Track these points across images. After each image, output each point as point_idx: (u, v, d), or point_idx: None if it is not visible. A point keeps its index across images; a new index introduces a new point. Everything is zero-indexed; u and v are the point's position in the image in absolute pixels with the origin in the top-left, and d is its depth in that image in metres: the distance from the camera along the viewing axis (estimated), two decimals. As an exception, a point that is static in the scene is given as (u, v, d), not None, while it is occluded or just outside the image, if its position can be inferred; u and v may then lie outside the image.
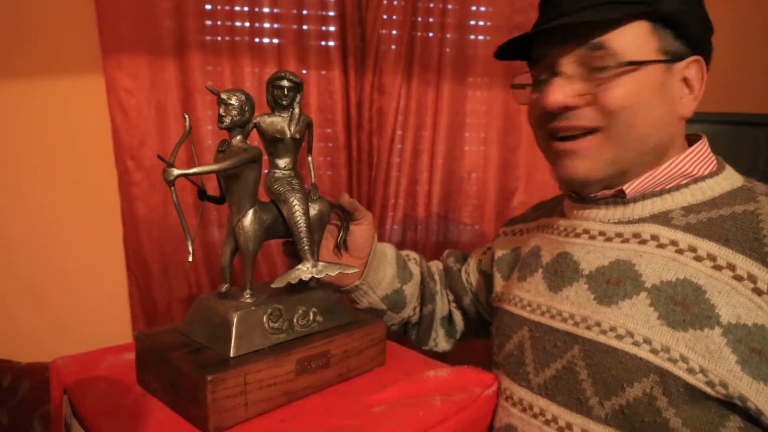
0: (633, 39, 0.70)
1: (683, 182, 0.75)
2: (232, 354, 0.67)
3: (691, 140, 0.80)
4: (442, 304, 1.09)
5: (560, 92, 0.72)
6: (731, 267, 0.65)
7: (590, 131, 0.73)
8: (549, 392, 0.75)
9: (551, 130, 0.76)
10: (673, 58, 0.72)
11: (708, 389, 0.62)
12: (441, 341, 1.11)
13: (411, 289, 1.02)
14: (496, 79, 1.62)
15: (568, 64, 0.73)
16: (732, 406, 0.62)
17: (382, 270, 0.98)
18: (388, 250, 1.01)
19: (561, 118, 0.74)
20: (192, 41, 1.44)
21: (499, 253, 0.99)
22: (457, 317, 1.10)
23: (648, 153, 0.74)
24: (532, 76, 0.80)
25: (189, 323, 0.75)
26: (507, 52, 0.79)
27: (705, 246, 0.68)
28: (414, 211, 1.65)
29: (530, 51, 0.80)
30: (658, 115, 0.72)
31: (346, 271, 0.78)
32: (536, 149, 0.85)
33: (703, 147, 0.77)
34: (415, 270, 1.05)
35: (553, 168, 0.79)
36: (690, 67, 0.73)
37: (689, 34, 0.72)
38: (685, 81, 0.73)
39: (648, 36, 0.71)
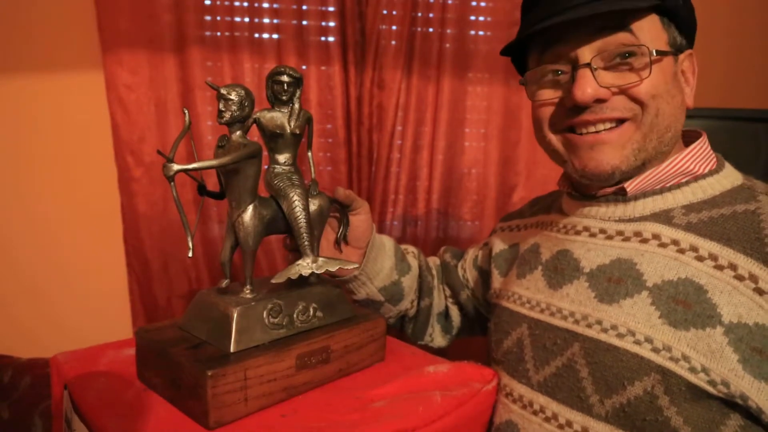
0: (652, 29, 0.71)
1: (684, 180, 0.74)
2: (232, 349, 0.67)
3: (691, 137, 0.80)
4: (439, 299, 1.10)
5: (592, 84, 0.70)
6: (732, 267, 0.65)
7: (617, 122, 0.72)
8: (549, 389, 0.75)
9: (573, 125, 0.74)
10: (677, 51, 0.74)
11: (709, 388, 0.62)
12: (437, 337, 1.11)
13: (409, 282, 1.02)
14: (496, 75, 1.62)
15: (591, 55, 0.71)
16: (733, 404, 0.62)
17: (381, 261, 0.98)
18: (387, 241, 1.01)
19: (589, 111, 0.72)
20: (192, 36, 1.43)
21: (496, 249, 0.99)
22: (454, 313, 1.11)
23: (667, 143, 0.74)
24: (543, 70, 0.77)
25: (189, 319, 0.75)
26: (511, 47, 0.79)
27: (706, 246, 0.68)
28: (414, 206, 1.65)
29: (532, 44, 0.79)
30: (678, 104, 0.73)
31: (346, 266, 0.78)
32: (537, 145, 0.84)
33: (703, 144, 0.77)
34: (414, 263, 1.05)
35: (572, 162, 0.76)
36: (686, 60, 0.75)
37: (687, 28, 0.75)
38: (683, 73, 0.75)
39: (660, 28, 0.72)
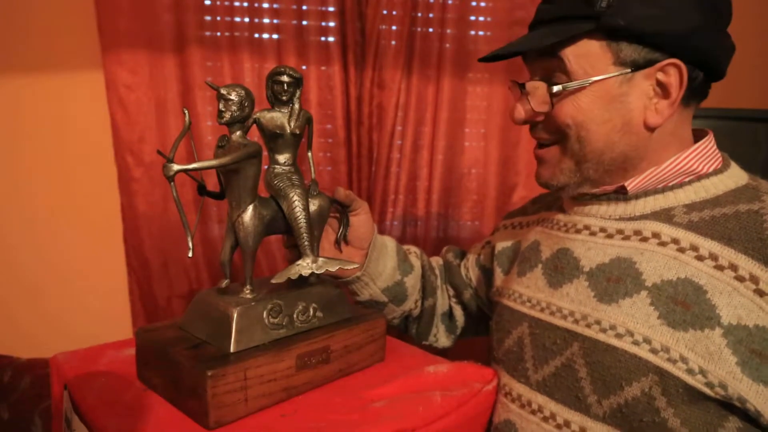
0: (585, 56, 0.70)
1: (686, 179, 0.74)
2: (232, 349, 0.67)
3: (697, 136, 0.78)
4: (442, 299, 1.09)
5: (520, 110, 0.78)
6: (733, 267, 0.64)
7: (552, 142, 0.77)
8: (548, 389, 0.75)
9: None
10: (634, 68, 0.69)
11: (707, 390, 0.61)
12: (441, 337, 1.11)
13: (412, 282, 1.02)
14: (496, 75, 1.62)
15: (530, 79, 0.76)
16: (731, 407, 0.62)
17: (383, 261, 0.98)
18: (389, 242, 1.01)
19: (532, 128, 0.80)
20: (191, 36, 1.43)
21: (499, 247, 0.99)
22: (458, 313, 1.10)
23: (610, 163, 0.74)
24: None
25: (189, 319, 0.75)
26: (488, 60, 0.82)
27: (707, 245, 0.67)
28: (414, 206, 1.65)
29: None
30: (612, 128, 0.71)
31: (346, 267, 0.78)
32: (537, 145, 0.85)
33: (708, 144, 0.76)
34: (416, 263, 1.05)
35: None
36: (666, 71, 0.69)
37: (655, 39, 0.68)
38: (660, 85, 0.70)
39: (601, 51, 0.69)
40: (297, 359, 0.71)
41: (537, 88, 0.75)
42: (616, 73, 0.70)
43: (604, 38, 0.69)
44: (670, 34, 0.68)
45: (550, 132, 0.77)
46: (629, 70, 0.69)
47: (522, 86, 0.77)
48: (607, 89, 0.70)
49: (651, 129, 0.72)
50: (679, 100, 0.70)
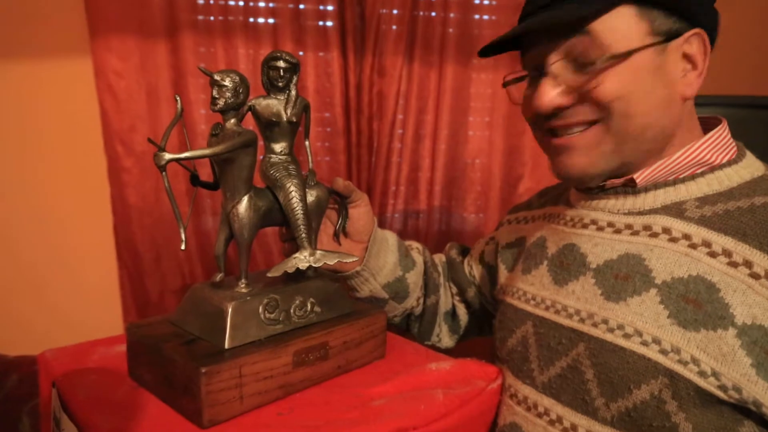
0: (618, 27, 0.68)
1: (699, 171, 0.73)
2: (226, 345, 0.67)
3: (710, 124, 0.78)
4: (445, 297, 1.09)
5: (549, 94, 0.72)
6: (748, 264, 0.63)
7: (588, 124, 0.72)
8: (554, 391, 0.74)
9: (548, 128, 0.76)
10: (667, 38, 0.70)
11: (720, 393, 0.61)
12: (444, 337, 1.11)
13: (414, 278, 1.02)
14: (501, 61, 1.61)
15: (555, 61, 0.72)
16: (746, 411, 0.61)
17: (383, 256, 0.98)
18: (390, 236, 1.01)
19: (556, 117, 0.74)
20: (184, 21, 1.43)
21: (503, 243, 0.98)
22: (461, 312, 1.10)
23: (651, 141, 0.72)
24: (525, 70, 0.78)
25: (182, 314, 0.75)
26: (495, 46, 0.79)
27: (720, 241, 0.66)
28: (416, 198, 1.65)
29: (521, 42, 0.79)
30: (657, 100, 0.71)
31: (345, 260, 0.78)
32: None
33: (722, 132, 0.75)
34: (418, 259, 1.05)
35: (550, 163, 0.79)
36: (690, 42, 0.70)
37: (682, 8, 0.69)
38: (687, 57, 0.71)
39: (635, 20, 0.69)
40: (294, 356, 0.72)
41: (565, 67, 0.71)
42: (654, 42, 0.69)
43: (637, 7, 0.69)
44: (696, 2, 0.70)
45: (587, 113, 0.72)
46: (663, 39, 0.69)
47: (539, 71, 0.73)
48: (647, 60, 0.69)
49: (685, 102, 0.73)
50: (705, 71, 0.71)
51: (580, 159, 0.74)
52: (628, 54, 0.68)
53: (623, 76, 0.69)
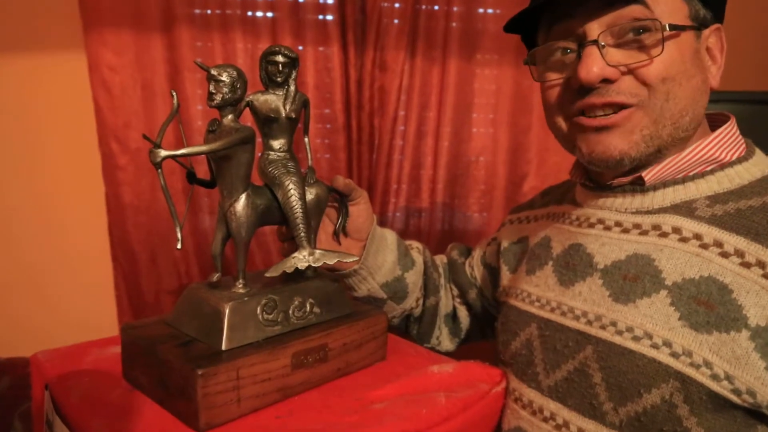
0: (670, 2, 0.69)
1: (708, 168, 0.73)
2: (223, 347, 0.67)
3: (718, 121, 0.78)
4: (446, 299, 1.09)
5: (598, 63, 0.68)
6: (761, 264, 0.63)
7: (625, 106, 0.70)
8: (560, 395, 0.74)
9: (582, 108, 0.73)
10: (700, 26, 0.71)
11: (733, 397, 0.61)
12: (444, 340, 1.11)
13: (413, 278, 1.02)
14: (506, 56, 1.61)
15: (600, 31, 0.69)
16: (760, 415, 0.61)
17: (382, 255, 0.98)
18: (389, 235, 1.01)
19: (595, 93, 0.70)
20: (180, 15, 1.43)
21: (505, 244, 0.98)
22: (462, 314, 1.10)
23: (685, 128, 0.71)
24: (550, 48, 0.76)
25: (178, 314, 0.75)
26: (519, 23, 0.77)
27: (732, 240, 0.66)
28: (417, 197, 1.65)
29: (541, 20, 0.77)
30: (696, 85, 0.71)
31: (345, 260, 0.78)
32: (549, 131, 0.83)
33: (731, 129, 0.75)
34: (418, 258, 1.05)
35: (580, 147, 0.75)
36: (712, 36, 0.73)
37: (715, 0, 0.72)
38: (708, 50, 0.73)
39: (680, 1, 0.70)
40: (293, 358, 0.72)
41: (612, 39, 0.69)
42: (694, 26, 0.70)
43: None
44: None
45: (629, 92, 0.70)
46: (697, 26, 0.71)
47: (580, 42, 0.71)
48: (691, 42, 0.70)
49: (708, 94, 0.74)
50: (723, 66, 0.73)
51: (622, 140, 0.71)
52: (681, 28, 0.68)
53: (673, 54, 0.68)
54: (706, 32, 0.72)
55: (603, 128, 0.72)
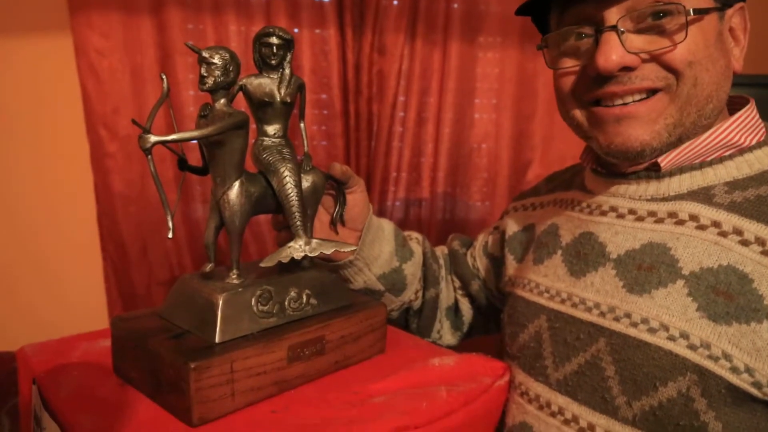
0: None
1: (727, 153, 0.72)
2: (217, 339, 0.68)
3: (737, 104, 0.77)
4: (447, 291, 1.09)
5: (617, 50, 0.67)
6: None
7: (648, 93, 0.70)
8: (569, 389, 0.74)
9: (599, 97, 0.73)
10: (724, 5, 0.70)
11: (754, 391, 0.61)
12: (446, 334, 1.11)
13: (412, 270, 1.02)
14: (510, 39, 1.60)
15: (619, 16, 0.68)
16: None
17: (378, 245, 0.97)
18: (386, 225, 1.01)
19: (615, 81, 0.70)
20: (170, -5, 1.42)
21: (510, 232, 0.98)
22: (465, 307, 1.10)
23: (708, 115, 0.71)
24: (564, 33, 0.75)
25: (170, 306, 0.75)
26: (529, 4, 0.77)
27: (752, 228, 0.66)
28: (418, 185, 1.65)
29: (553, 1, 0.77)
30: (721, 69, 0.70)
31: (342, 249, 0.78)
32: (554, 117, 0.84)
33: (750, 112, 0.74)
34: (417, 249, 1.05)
35: (596, 137, 0.75)
36: (736, 15, 0.72)
37: None
38: (731, 31, 0.72)
39: None
40: (289, 350, 0.72)
41: (631, 24, 0.68)
42: (717, 6, 0.69)
43: None
44: None
45: (652, 79, 0.69)
46: (721, 6, 0.70)
47: (597, 27, 0.70)
48: (715, 25, 0.69)
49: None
50: (746, 47, 0.72)
51: (643, 130, 0.71)
52: (705, 11, 0.67)
53: (697, 38, 0.68)
54: (729, 12, 0.71)
55: (623, 117, 0.71)
